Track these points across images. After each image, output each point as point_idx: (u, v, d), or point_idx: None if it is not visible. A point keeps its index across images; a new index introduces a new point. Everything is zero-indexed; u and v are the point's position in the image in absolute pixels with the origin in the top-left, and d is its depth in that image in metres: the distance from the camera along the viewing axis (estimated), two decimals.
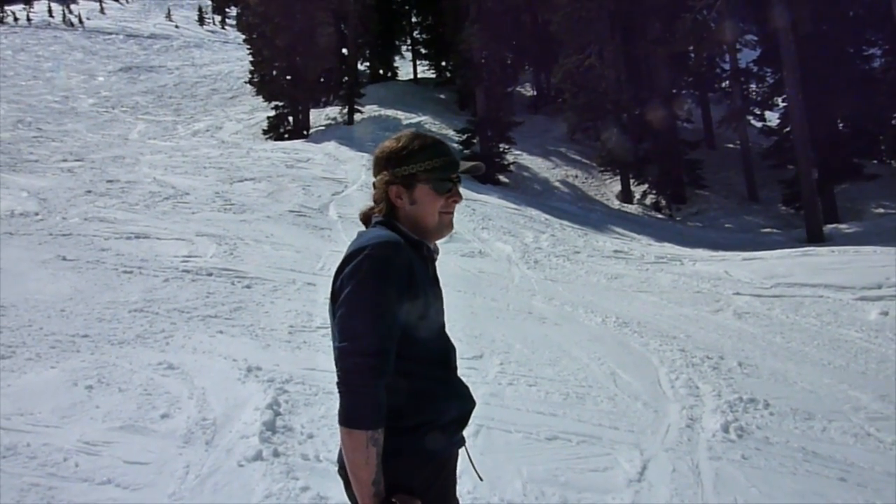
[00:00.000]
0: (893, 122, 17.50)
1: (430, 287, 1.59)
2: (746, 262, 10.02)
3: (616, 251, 11.09)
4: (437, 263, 1.70)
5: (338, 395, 1.46)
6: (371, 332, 1.43)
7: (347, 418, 1.43)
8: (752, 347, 6.17)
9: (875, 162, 17.99)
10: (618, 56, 19.33)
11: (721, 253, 11.51)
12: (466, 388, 1.69)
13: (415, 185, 1.59)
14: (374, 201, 1.65)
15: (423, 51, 29.98)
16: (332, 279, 1.55)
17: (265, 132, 21.69)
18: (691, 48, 20.06)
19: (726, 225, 17.23)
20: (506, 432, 3.91)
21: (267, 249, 7.96)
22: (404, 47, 31.48)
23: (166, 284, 6.14)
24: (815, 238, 14.36)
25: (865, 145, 17.65)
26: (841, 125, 18.27)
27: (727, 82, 22.38)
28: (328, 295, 1.57)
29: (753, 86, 21.62)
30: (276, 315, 5.68)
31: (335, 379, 1.47)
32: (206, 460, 3.25)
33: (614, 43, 19.21)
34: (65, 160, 12.31)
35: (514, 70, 25.33)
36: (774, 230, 16.55)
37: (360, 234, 1.60)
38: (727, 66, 21.90)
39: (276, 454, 3.34)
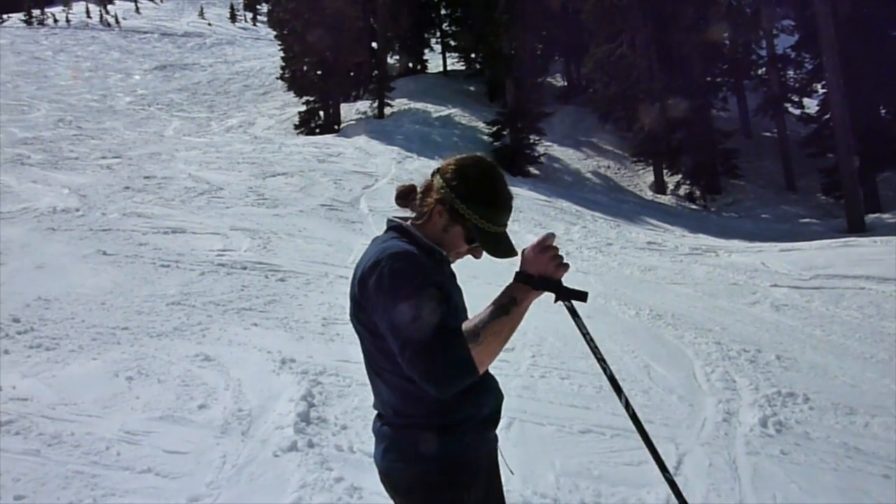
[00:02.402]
0: None
1: (449, 283, 1.63)
2: (784, 253, 9.78)
3: (649, 243, 10.93)
4: (459, 259, 1.71)
5: (433, 386, 1.39)
6: (422, 314, 1.41)
7: (462, 369, 1.38)
8: (790, 340, 6.02)
9: None
10: (650, 44, 19.01)
11: (757, 244, 11.26)
12: (496, 380, 1.72)
13: (458, 222, 1.59)
14: (419, 204, 1.64)
15: (452, 43, 29.87)
16: (350, 282, 1.57)
17: (297, 127, 21.94)
18: (726, 35, 19.60)
19: (763, 215, 16.84)
20: (538, 425, 3.90)
21: (300, 243, 8.05)
22: (434, 40, 31.42)
23: (202, 278, 6.26)
24: (856, 228, 13.97)
25: None
26: (883, 111, 17.68)
27: (763, 69, 21.83)
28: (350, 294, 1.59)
29: (791, 72, 21.06)
30: (309, 308, 5.74)
31: (417, 377, 1.40)
32: (243, 450, 3.32)
33: (646, 31, 18.88)
34: (104, 157, 12.63)
35: (544, 60, 25.09)
36: (813, 220, 16.12)
37: (374, 242, 1.63)
38: (763, 53, 21.37)
39: (310, 445, 3.39)
